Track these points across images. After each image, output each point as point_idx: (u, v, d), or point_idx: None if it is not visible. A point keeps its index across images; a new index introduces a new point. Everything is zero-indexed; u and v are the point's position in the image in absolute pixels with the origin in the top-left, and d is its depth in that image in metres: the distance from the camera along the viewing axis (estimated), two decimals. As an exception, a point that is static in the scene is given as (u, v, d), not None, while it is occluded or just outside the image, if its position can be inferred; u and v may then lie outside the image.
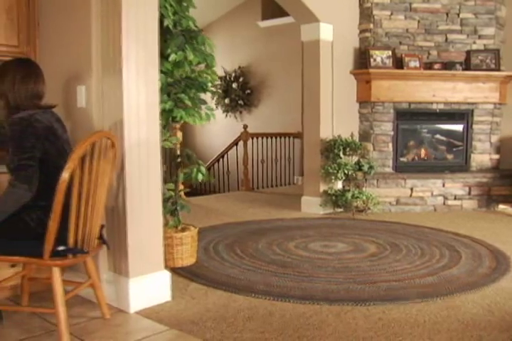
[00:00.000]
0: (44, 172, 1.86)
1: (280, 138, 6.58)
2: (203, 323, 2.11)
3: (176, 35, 2.39)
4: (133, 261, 2.22)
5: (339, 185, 4.64)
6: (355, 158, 4.58)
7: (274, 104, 7.07)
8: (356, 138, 4.76)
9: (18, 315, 2.20)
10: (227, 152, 6.38)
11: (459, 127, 4.92)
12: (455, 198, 4.71)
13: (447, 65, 4.69)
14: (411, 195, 4.66)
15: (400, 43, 4.74)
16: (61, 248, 1.81)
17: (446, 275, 2.73)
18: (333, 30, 4.49)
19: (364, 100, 4.76)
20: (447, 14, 4.72)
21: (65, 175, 1.72)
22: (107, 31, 2.19)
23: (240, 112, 7.45)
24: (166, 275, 2.36)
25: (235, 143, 6.12)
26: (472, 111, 4.85)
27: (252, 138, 6.19)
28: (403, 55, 4.66)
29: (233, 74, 7.40)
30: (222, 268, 2.85)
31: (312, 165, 4.58)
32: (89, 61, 2.24)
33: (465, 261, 3.02)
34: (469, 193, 4.71)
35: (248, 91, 7.30)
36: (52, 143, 1.90)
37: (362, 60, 4.76)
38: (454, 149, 4.96)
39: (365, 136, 4.80)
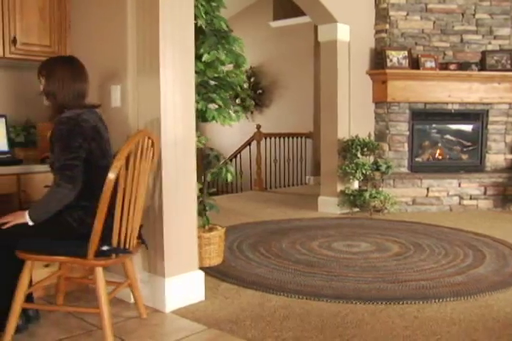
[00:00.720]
0: (87, 172, 1.87)
1: (292, 138, 6.59)
2: (241, 322, 2.12)
3: (209, 35, 2.40)
4: (169, 260, 2.23)
5: (355, 185, 4.65)
6: (370, 158, 4.59)
7: (285, 104, 7.07)
8: (372, 138, 4.77)
9: (53, 315, 2.20)
10: (239, 152, 6.39)
11: (473, 127, 4.94)
12: (471, 198, 4.72)
13: (463, 66, 4.71)
14: (427, 195, 4.67)
15: (416, 44, 4.76)
16: (105, 248, 1.82)
17: (474, 275, 2.74)
18: (350, 30, 4.51)
19: (380, 100, 4.77)
20: (463, 14, 4.74)
21: (112, 175, 1.73)
22: (143, 31, 2.20)
23: (252, 112, 7.46)
24: (200, 275, 2.37)
25: (248, 143, 6.13)
26: (487, 111, 4.86)
27: (265, 138, 6.20)
28: (419, 56, 4.67)
29: (244, 74, 7.41)
30: (250, 268, 2.86)
31: (329, 165, 4.59)
32: (124, 61, 2.25)
33: (489, 260, 3.03)
34: (485, 193, 4.73)
35: (260, 91, 7.32)
36: (98, 143, 1.91)
37: (378, 60, 4.78)
38: (469, 149, 4.97)
39: (380, 136, 4.81)
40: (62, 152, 1.82)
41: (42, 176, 2.31)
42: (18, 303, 1.85)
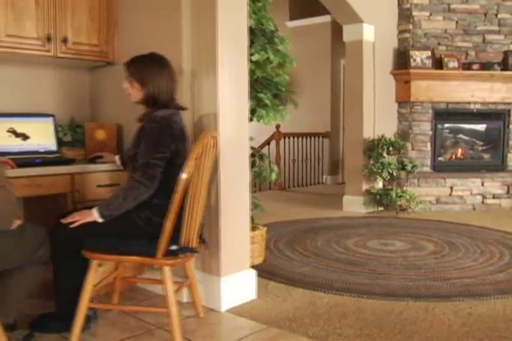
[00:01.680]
0: (163, 171, 1.88)
1: (310, 137, 6.61)
2: (299, 320, 2.13)
3: (258, 35, 2.42)
4: (224, 259, 2.24)
5: (379, 184, 4.68)
6: (394, 158, 4.61)
7: (302, 104, 7.02)
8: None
9: (109, 314, 2.21)
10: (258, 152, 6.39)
11: (495, 127, 4.97)
12: (493, 197, 4.76)
13: (485, 66, 4.74)
14: (450, 194, 4.70)
15: (439, 44, 4.79)
16: (173, 247, 1.82)
17: (515, 273, 2.77)
18: (375, 30, 4.53)
19: (403, 100, 4.79)
20: (485, 15, 4.77)
21: (184, 174, 1.74)
22: (199, 29, 2.21)
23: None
24: (252, 274, 2.39)
25: (267, 142, 6.14)
26: (509, 111, 4.89)
27: (284, 138, 6.21)
28: (442, 56, 4.70)
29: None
30: (293, 266, 2.88)
31: (354, 165, 4.61)
32: (179, 60, 2.25)
33: (526, 258, 3.06)
34: (507, 192, 4.76)
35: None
36: (183, 144, 1.92)
37: (401, 60, 4.80)
38: (490, 149, 5.00)
39: (403, 135, 4.84)
40: (149, 150, 1.83)
41: (94, 176, 2.32)
42: (84, 303, 1.85)
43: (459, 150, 5.01)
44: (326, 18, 6.57)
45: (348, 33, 4.50)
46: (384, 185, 4.69)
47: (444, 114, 4.86)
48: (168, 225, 1.76)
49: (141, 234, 1.87)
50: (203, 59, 2.21)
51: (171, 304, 1.82)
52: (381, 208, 4.67)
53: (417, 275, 2.73)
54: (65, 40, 2.39)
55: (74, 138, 2.65)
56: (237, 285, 2.30)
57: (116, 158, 2.32)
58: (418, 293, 2.43)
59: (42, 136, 2.44)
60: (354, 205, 4.62)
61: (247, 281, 2.35)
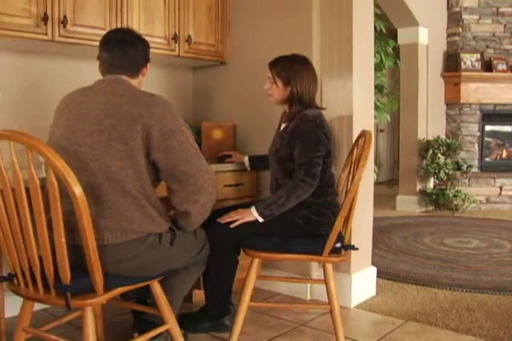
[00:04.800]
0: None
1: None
2: (433, 315, 2.19)
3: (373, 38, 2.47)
4: (354, 256, 2.27)
5: (431, 184, 4.78)
6: (447, 159, 4.70)
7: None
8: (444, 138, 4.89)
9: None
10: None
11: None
12: (541, 196, 4.89)
13: (532, 68, 4.88)
14: (500, 194, 4.82)
15: (487, 47, 4.91)
16: (338, 245, 1.85)
17: None
18: (428, 33, 4.63)
19: (452, 102, 4.90)
20: (533, 18, 4.91)
21: (361, 174, 1.75)
22: (330, 31, 2.25)
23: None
24: (373, 271, 2.44)
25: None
26: (553, 112, 5.04)
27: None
28: (492, 58, 4.82)
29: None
30: (389, 264, 2.94)
31: (408, 165, 4.70)
32: (309, 61, 2.29)
33: None
34: (554, 192, 4.90)
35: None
36: (331, 143, 1.96)
37: (450, 62, 4.91)
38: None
39: (452, 136, 4.94)
40: (309, 149, 1.85)
41: (222, 175, 2.32)
42: (245, 302, 1.85)
43: (504, 151, 5.14)
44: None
45: (404, 36, 4.58)
46: (435, 186, 4.78)
47: (492, 115, 4.98)
48: (339, 223, 1.78)
49: (301, 233, 1.89)
50: (334, 59, 2.25)
51: (335, 300, 1.85)
52: (431, 208, 4.76)
53: (514, 271, 2.82)
54: (188, 40, 2.41)
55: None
56: (362, 282, 2.34)
57: (246, 158, 2.34)
58: (527, 288, 2.52)
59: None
60: (408, 205, 4.71)
61: (369, 278, 2.40)
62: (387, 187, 5.87)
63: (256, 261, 1.88)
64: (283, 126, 2.04)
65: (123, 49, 1.51)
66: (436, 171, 4.43)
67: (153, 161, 1.44)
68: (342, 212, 1.79)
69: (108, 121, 1.40)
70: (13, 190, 1.30)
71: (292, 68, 1.97)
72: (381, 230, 3.84)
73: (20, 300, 1.47)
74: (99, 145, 1.39)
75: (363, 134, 1.88)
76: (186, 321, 1.99)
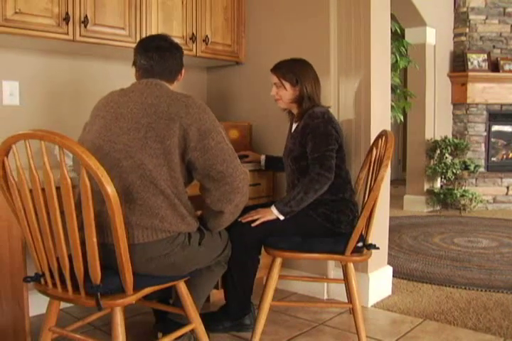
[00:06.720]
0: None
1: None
2: (450, 313, 2.20)
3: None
4: (372, 256, 2.28)
5: (438, 184, 4.79)
6: (454, 158, 4.72)
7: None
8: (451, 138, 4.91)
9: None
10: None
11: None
12: (547, 196, 4.91)
13: (538, 68, 4.89)
14: (507, 193, 4.84)
15: (494, 47, 4.92)
16: (359, 244, 1.86)
17: None
18: (436, 34, 4.64)
19: (459, 102, 4.91)
20: (539, 19, 4.93)
21: (384, 172, 1.76)
22: (348, 31, 2.25)
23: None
24: (389, 270, 2.44)
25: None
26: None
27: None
28: (499, 59, 4.84)
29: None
30: (402, 263, 2.95)
31: (416, 165, 4.71)
32: (327, 63, 2.30)
33: None
34: (560, 192, 4.92)
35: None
36: (342, 139, 1.97)
37: (456, 62, 4.92)
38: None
39: (458, 136, 4.96)
40: (320, 143, 1.87)
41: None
42: (267, 301, 1.86)
43: (511, 151, 5.15)
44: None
45: (411, 37, 4.58)
46: (442, 185, 4.80)
47: (498, 115, 5.00)
48: (362, 222, 1.79)
49: (320, 231, 1.90)
50: (352, 60, 2.26)
51: (356, 300, 1.86)
52: (438, 207, 4.78)
53: (526, 270, 2.83)
54: (205, 40, 2.42)
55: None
56: (379, 281, 2.35)
57: (263, 157, 2.35)
58: (541, 287, 2.53)
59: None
60: (416, 204, 4.72)
61: (385, 277, 2.41)
62: (392, 187, 5.86)
63: (278, 260, 1.89)
64: (294, 126, 2.06)
65: (162, 57, 1.53)
66: (444, 171, 4.44)
67: (188, 161, 1.45)
68: (365, 211, 1.79)
69: (145, 119, 1.41)
70: (42, 189, 1.30)
71: (296, 68, 2.00)
72: (391, 230, 3.79)
73: (42, 299, 1.46)
74: (134, 142, 1.40)
75: (383, 134, 1.89)
76: (207, 321, 1.96)
